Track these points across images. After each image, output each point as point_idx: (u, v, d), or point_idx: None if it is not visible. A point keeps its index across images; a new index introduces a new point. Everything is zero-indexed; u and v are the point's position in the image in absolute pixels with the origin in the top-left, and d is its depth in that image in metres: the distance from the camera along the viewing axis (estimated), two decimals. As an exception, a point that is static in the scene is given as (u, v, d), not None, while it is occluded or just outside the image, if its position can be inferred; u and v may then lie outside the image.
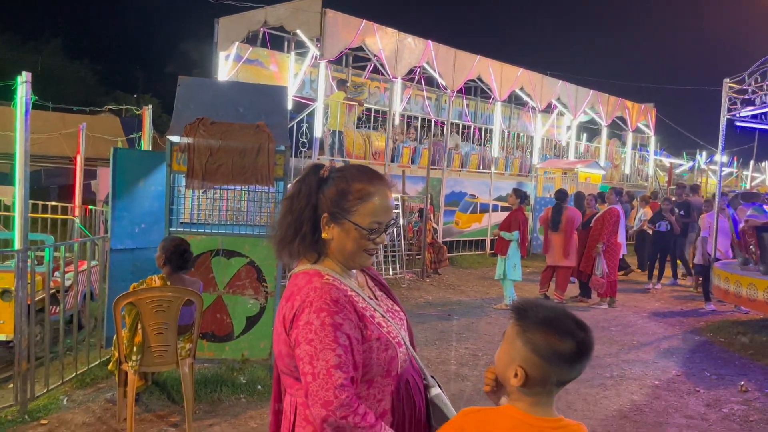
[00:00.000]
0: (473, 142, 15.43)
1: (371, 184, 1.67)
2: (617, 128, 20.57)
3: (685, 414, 4.94)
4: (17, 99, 4.22)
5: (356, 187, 1.66)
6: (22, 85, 4.16)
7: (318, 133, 11.04)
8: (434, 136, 13.67)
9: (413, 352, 1.79)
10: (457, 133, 15.21)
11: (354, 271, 1.77)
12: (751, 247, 7.84)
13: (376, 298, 1.79)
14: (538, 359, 1.41)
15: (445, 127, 13.94)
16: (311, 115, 11.17)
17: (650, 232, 11.52)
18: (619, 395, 5.32)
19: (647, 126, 21.14)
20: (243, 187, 5.03)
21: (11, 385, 4.61)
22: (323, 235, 1.67)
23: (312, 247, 1.69)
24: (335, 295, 1.58)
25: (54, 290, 5.46)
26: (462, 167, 14.18)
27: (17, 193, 4.23)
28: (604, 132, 19.16)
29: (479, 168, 14.61)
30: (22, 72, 4.27)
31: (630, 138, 20.34)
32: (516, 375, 1.43)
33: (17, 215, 4.26)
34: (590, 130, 20.81)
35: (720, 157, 9.50)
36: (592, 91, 17.87)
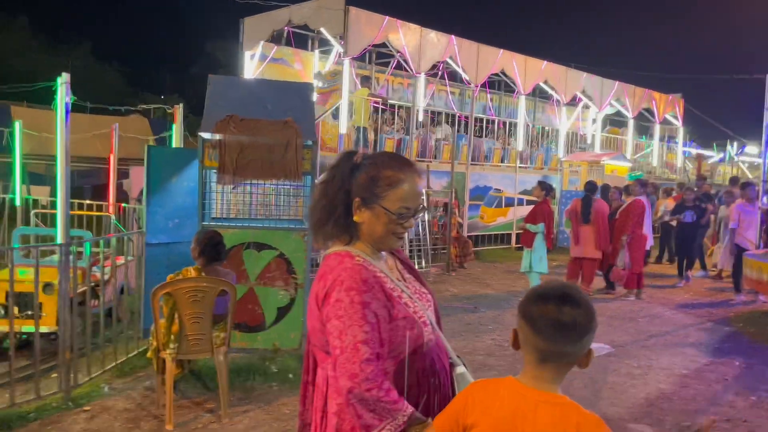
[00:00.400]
0: (496, 137, 15.41)
1: (401, 171, 1.75)
2: (644, 120, 20.33)
3: (713, 402, 4.95)
4: (57, 100, 4.41)
5: (386, 174, 1.73)
6: (62, 86, 4.34)
7: (342, 129, 11.17)
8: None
9: (439, 331, 1.85)
10: (481, 127, 15.20)
11: (384, 253, 1.85)
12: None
13: (404, 280, 1.86)
14: (521, 320, 1.52)
15: (468, 121, 13.97)
16: (336, 110, 11.30)
17: (673, 224, 11.41)
18: (646, 384, 5.34)
19: (675, 117, 20.84)
20: (271, 182, 5.18)
21: (55, 375, 4.83)
22: (355, 218, 1.75)
23: (345, 230, 1.77)
24: (364, 275, 1.67)
25: (93, 284, 5.68)
26: (486, 161, 14.19)
27: (59, 191, 4.43)
28: (631, 124, 18.95)
29: (502, 162, 14.61)
30: (58, 74, 4.46)
31: (657, 129, 20.08)
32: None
33: (59, 212, 4.45)
34: (616, 122, 20.60)
35: (764, 149, 9.47)
36: (617, 82, 17.68)
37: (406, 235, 1.95)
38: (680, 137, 21.57)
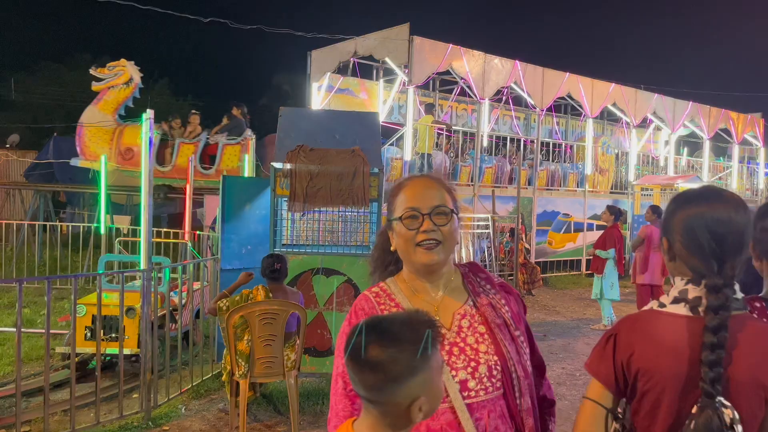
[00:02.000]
0: (564, 161, 15.16)
1: (406, 180, 1.66)
2: (721, 141, 19.49)
3: None
4: (142, 134, 4.71)
5: (394, 189, 1.66)
6: (146, 121, 4.64)
7: (407, 156, 11.30)
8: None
9: (466, 412, 1.45)
10: (548, 151, 14.99)
11: (443, 287, 1.61)
12: None
13: (450, 328, 1.55)
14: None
15: (535, 145, 13.82)
16: (400, 138, 11.45)
17: None
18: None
19: (755, 137, 19.87)
20: (338, 209, 5.30)
21: (136, 395, 5.06)
22: (391, 248, 1.65)
23: (393, 270, 1.69)
24: (359, 306, 1.60)
25: (171, 308, 5.95)
26: (557, 186, 13.96)
27: (142, 220, 4.70)
28: (707, 145, 18.21)
29: (570, 186, 14.33)
30: (140, 111, 4.77)
31: (736, 150, 19.20)
32: None
33: (143, 240, 4.72)
34: (691, 144, 19.84)
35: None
36: (691, 102, 17.09)
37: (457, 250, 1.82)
38: (761, 158, 20.53)
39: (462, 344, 1.52)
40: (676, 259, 1.50)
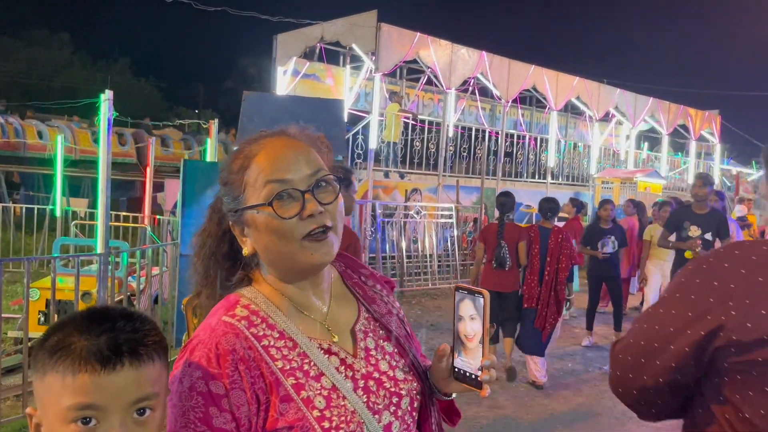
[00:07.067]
0: (528, 153, 15.37)
1: (250, 145, 1.10)
2: (679, 137, 20.03)
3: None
4: (100, 115, 4.59)
5: (237, 160, 1.09)
6: (105, 102, 4.52)
7: (373, 144, 11.28)
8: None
9: None
10: (512, 143, 15.17)
11: (328, 295, 1.15)
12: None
13: (354, 354, 1.11)
14: None
15: (499, 137, 13.96)
16: (366, 127, 11.43)
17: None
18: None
19: (712, 134, 20.49)
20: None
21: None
22: (244, 253, 1.11)
23: (239, 282, 1.13)
24: (225, 345, 1.01)
25: (129, 293, 5.84)
26: (517, 177, 14.15)
27: (99, 203, 4.60)
28: (665, 140, 18.69)
29: (534, 177, 14.55)
30: (97, 89, 4.65)
31: (693, 146, 19.76)
32: None
33: (99, 223, 4.62)
34: (650, 138, 20.33)
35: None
36: (651, 98, 17.50)
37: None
38: (717, 154, 21.18)
39: (377, 374, 1.11)
40: None
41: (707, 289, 1.11)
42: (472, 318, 1.08)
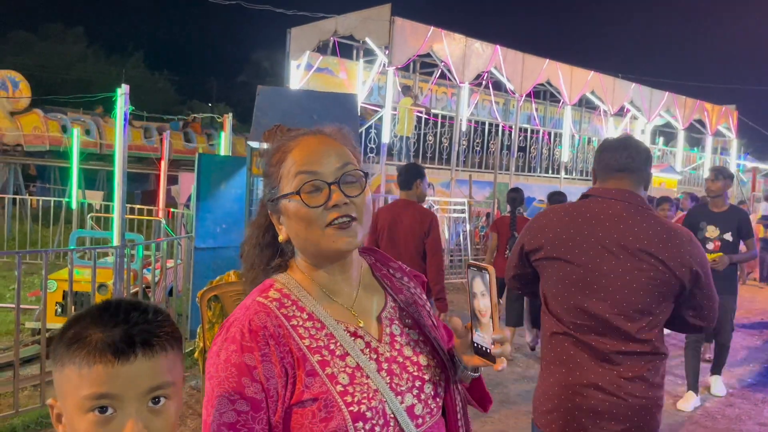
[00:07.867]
0: (541, 147, 15.30)
1: (289, 141, 1.21)
2: (696, 132, 19.81)
3: (758, 421, 4.81)
4: (116, 110, 4.64)
5: (275, 155, 1.21)
6: (121, 96, 4.56)
7: (386, 138, 11.28)
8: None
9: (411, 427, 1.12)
10: (526, 138, 15.12)
11: (356, 283, 1.22)
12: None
13: (380, 339, 1.17)
14: None
15: (513, 131, 13.90)
16: (379, 121, 11.43)
17: None
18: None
19: (728, 129, 20.24)
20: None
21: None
22: (279, 239, 1.21)
23: (276, 267, 1.23)
24: (258, 322, 1.10)
25: (144, 286, 5.91)
26: (531, 172, 14.09)
27: (115, 196, 4.65)
28: (681, 135, 18.51)
29: (547, 172, 14.48)
30: (112, 83, 4.69)
31: (710, 141, 19.55)
32: None
33: (116, 215, 4.67)
34: (666, 133, 20.14)
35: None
36: (667, 93, 17.32)
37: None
38: (733, 150, 20.93)
39: (401, 359, 1.17)
40: None
41: (527, 229, 2.27)
42: (482, 294, 1.12)
